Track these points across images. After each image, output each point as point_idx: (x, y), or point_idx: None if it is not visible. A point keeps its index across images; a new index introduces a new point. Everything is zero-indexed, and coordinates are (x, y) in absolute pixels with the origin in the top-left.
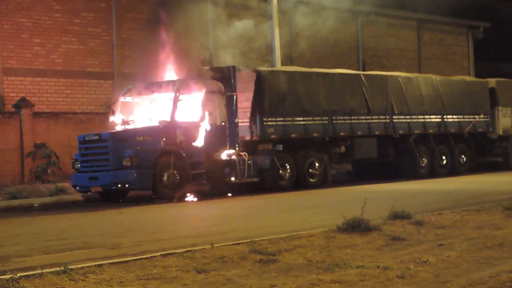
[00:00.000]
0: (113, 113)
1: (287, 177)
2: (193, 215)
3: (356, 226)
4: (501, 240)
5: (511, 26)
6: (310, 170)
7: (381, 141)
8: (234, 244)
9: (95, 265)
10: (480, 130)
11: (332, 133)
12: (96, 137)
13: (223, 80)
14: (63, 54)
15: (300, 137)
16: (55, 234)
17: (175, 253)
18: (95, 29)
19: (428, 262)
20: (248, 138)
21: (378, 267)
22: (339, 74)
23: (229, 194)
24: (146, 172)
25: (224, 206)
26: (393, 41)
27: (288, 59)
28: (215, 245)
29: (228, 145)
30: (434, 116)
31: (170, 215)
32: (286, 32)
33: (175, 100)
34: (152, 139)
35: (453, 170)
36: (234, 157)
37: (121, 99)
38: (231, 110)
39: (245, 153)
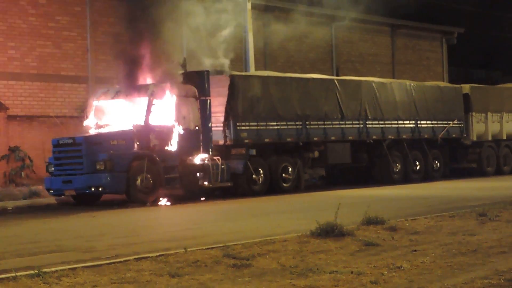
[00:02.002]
0: (87, 116)
1: (260, 182)
2: (166, 219)
3: (330, 231)
4: (475, 246)
5: (485, 32)
6: (284, 175)
7: (354, 146)
8: (208, 248)
9: (69, 269)
10: (454, 136)
11: (306, 138)
12: (70, 141)
13: (197, 84)
14: (37, 58)
15: (274, 142)
16: (29, 237)
17: (149, 257)
18: (69, 33)
19: (402, 268)
20: (221, 142)
21: (351, 272)
22: (313, 79)
23: (202, 199)
24: (120, 176)
25: (197, 211)
26: (367, 46)
27: (261, 64)
28: (188, 249)
29: (201, 150)
30: (407, 122)
31: (143, 219)
32: (260, 37)
33: (149, 104)
34: (126, 143)
35: (427, 176)
36: (207, 161)
37: (95, 102)
38: (204, 114)
39: (218, 157)
